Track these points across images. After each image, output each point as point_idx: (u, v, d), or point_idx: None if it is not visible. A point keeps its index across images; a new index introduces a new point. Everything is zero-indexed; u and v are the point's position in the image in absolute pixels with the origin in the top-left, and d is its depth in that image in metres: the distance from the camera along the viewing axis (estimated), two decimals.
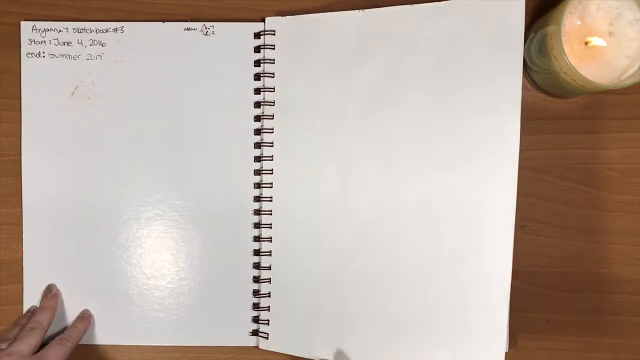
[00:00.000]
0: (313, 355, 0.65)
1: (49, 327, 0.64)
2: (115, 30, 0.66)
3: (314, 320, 0.65)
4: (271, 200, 0.65)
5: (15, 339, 0.60)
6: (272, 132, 0.65)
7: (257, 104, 0.66)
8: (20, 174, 0.67)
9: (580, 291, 0.67)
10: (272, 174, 0.65)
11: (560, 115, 0.66)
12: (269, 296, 0.66)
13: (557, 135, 0.66)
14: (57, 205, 0.67)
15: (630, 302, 0.67)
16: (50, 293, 0.66)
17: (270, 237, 0.66)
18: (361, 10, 0.63)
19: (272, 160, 0.65)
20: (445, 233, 0.63)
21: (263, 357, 0.68)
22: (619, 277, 0.67)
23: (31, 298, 0.67)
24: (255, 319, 0.67)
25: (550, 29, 0.58)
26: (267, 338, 0.66)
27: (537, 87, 0.66)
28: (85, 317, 0.66)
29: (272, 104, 0.65)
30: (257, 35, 0.66)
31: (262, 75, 0.66)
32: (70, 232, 0.67)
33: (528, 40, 0.63)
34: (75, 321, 0.66)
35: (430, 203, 0.63)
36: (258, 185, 0.66)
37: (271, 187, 0.66)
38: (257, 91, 0.66)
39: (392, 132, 0.64)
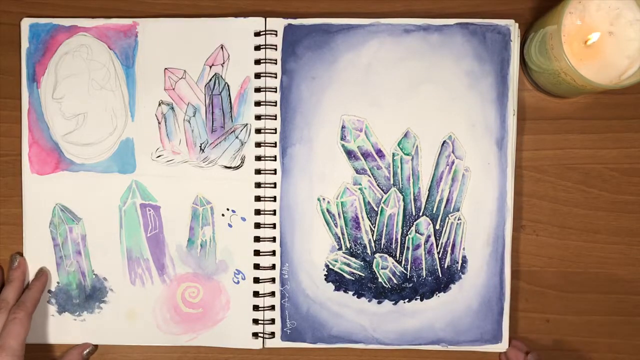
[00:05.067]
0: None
1: (16, 300, 0.63)
2: None
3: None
4: (274, 201, 0.66)
5: None
6: (275, 133, 0.66)
7: (257, 103, 0.66)
8: (20, 174, 0.67)
9: (580, 291, 0.67)
10: (275, 174, 0.66)
11: (560, 115, 0.66)
12: (273, 295, 0.66)
13: (557, 135, 0.66)
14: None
15: (630, 302, 0.67)
16: (13, 264, 0.66)
17: (274, 237, 0.66)
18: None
19: (274, 160, 0.66)
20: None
21: (263, 357, 0.68)
22: (619, 277, 0.67)
23: None
24: (255, 321, 0.67)
25: (550, 29, 0.58)
26: (272, 337, 0.66)
27: (537, 87, 0.66)
28: (39, 276, 0.66)
29: (275, 104, 0.66)
30: (257, 34, 0.66)
31: (263, 75, 0.66)
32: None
33: (528, 40, 0.64)
34: (18, 276, 0.65)
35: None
36: (259, 185, 0.66)
37: (274, 187, 0.66)
38: (258, 90, 0.66)
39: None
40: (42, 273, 0.66)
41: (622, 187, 0.67)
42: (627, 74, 0.59)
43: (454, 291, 0.65)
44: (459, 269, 0.65)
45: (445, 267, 0.65)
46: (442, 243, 0.65)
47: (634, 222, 0.67)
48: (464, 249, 0.65)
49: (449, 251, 0.65)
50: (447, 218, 0.65)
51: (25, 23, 0.66)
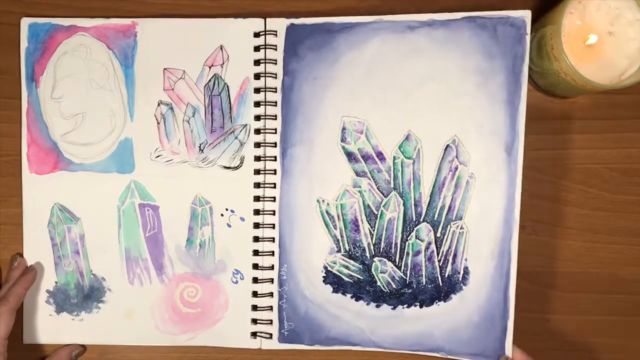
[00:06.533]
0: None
1: (17, 299, 0.63)
2: None
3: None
4: (274, 201, 0.66)
5: None
6: (275, 133, 0.66)
7: (257, 103, 0.66)
8: (20, 174, 0.67)
9: (580, 291, 0.67)
10: (274, 174, 0.66)
11: (560, 115, 0.66)
12: (271, 296, 0.66)
13: (557, 135, 0.66)
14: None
15: (630, 302, 0.67)
16: (13, 265, 0.66)
17: (273, 237, 0.66)
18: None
19: (274, 160, 0.66)
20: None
21: (263, 357, 0.68)
22: (619, 277, 0.67)
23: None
24: (254, 321, 0.67)
25: (550, 29, 0.58)
26: (270, 338, 0.66)
27: (537, 87, 0.66)
28: (27, 273, 0.66)
29: (274, 104, 0.65)
30: (256, 35, 0.66)
31: (262, 75, 0.65)
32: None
33: None
34: (16, 277, 0.65)
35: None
36: (258, 185, 0.66)
37: (274, 187, 0.66)
38: (257, 90, 0.66)
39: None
40: (30, 270, 0.66)
41: (622, 187, 0.66)
42: (627, 74, 0.59)
43: (455, 302, 0.64)
44: (460, 279, 0.64)
45: (446, 276, 0.64)
46: (443, 251, 0.64)
47: (634, 222, 0.67)
48: (465, 259, 0.64)
49: (450, 260, 0.64)
50: (449, 226, 0.64)
51: (25, 22, 0.67)
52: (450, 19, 0.63)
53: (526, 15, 0.61)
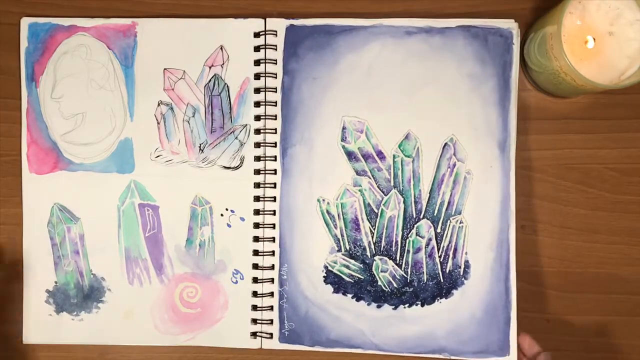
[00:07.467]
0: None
1: None
2: None
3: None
4: (274, 200, 0.66)
5: None
6: (275, 133, 0.66)
7: (257, 104, 0.66)
8: (20, 174, 0.67)
9: (580, 291, 0.67)
10: (275, 174, 0.66)
11: (560, 115, 0.66)
12: (271, 296, 0.66)
13: (557, 135, 0.66)
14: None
15: (630, 302, 0.67)
16: None
17: (273, 237, 0.66)
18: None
19: (274, 160, 0.66)
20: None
21: (262, 357, 0.68)
22: (619, 277, 0.67)
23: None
24: (254, 321, 0.66)
25: (550, 29, 0.58)
26: (270, 338, 0.66)
27: (537, 87, 0.66)
28: None
29: (275, 104, 0.65)
30: (256, 35, 0.66)
31: (263, 75, 0.65)
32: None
33: (528, 40, 0.64)
34: None
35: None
36: (258, 185, 0.66)
37: (274, 187, 0.66)
38: (257, 90, 0.66)
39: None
40: None
41: (622, 187, 0.66)
42: (627, 74, 0.59)
43: (457, 297, 0.65)
44: (461, 274, 0.65)
45: (447, 271, 0.65)
46: (443, 247, 0.65)
47: (634, 222, 0.67)
48: (466, 253, 0.65)
49: (451, 255, 0.65)
50: (449, 221, 0.65)
51: (25, 22, 0.67)
52: (446, 27, 0.64)
53: (513, 27, 0.64)
